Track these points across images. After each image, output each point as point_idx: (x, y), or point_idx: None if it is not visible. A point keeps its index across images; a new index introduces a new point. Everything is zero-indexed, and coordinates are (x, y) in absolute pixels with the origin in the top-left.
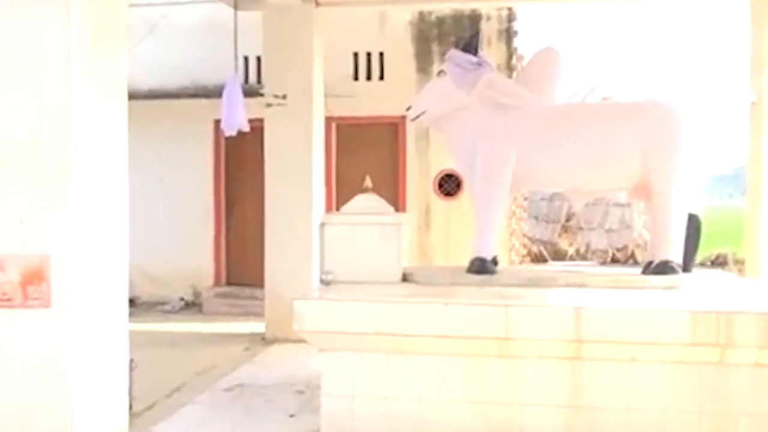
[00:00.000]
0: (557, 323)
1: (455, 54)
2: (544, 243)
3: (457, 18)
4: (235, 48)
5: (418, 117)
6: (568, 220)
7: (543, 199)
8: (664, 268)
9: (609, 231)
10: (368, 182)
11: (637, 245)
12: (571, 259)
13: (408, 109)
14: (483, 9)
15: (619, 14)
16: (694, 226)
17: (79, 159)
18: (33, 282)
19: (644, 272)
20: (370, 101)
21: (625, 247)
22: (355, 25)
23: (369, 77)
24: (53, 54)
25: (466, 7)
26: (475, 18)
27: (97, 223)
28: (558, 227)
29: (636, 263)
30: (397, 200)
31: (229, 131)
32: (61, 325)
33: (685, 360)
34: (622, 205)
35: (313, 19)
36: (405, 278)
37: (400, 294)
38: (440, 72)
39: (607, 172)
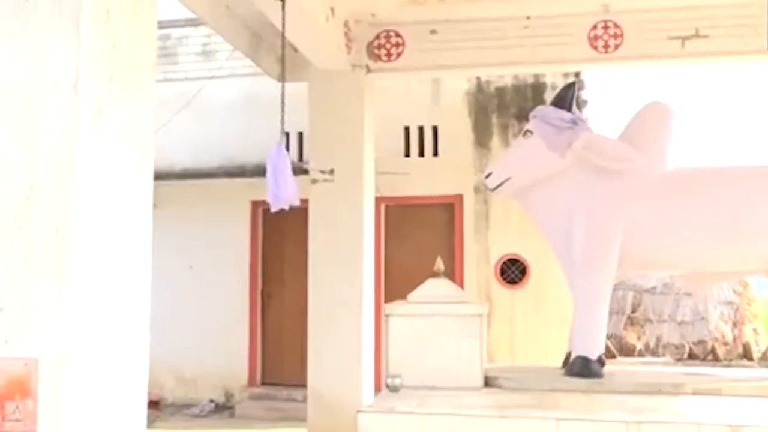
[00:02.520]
0: None
1: (546, 110)
2: (608, 336)
3: (519, 88)
4: (282, 112)
5: (499, 186)
6: (634, 311)
7: None
8: None
9: (681, 323)
10: (440, 264)
11: (715, 339)
12: (640, 354)
13: (487, 176)
14: (548, 78)
15: (693, 82)
16: None
17: (83, 227)
18: (14, 396)
19: None
20: (423, 179)
21: (702, 342)
22: (406, 97)
23: (422, 153)
24: (55, 85)
25: (529, 72)
26: (538, 88)
27: (105, 316)
28: (623, 319)
29: (717, 360)
30: None
31: (277, 205)
32: None
33: None
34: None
35: (363, 86)
36: (487, 382)
37: (490, 405)
38: (526, 132)
39: (740, 251)
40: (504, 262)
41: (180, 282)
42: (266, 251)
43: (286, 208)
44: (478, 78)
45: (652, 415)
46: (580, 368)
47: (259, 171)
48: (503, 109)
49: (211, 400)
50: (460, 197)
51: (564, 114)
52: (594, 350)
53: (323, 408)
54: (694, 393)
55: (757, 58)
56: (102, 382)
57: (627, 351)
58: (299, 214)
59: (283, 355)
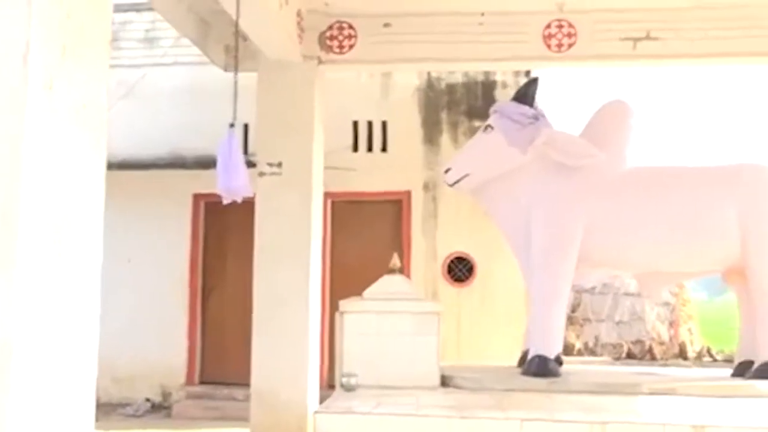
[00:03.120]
0: None
1: (507, 106)
2: None
3: (469, 85)
4: (234, 101)
5: (458, 182)
6: (573, 310)
7: None
8: None
9: (619, 323)
10: (396, 261)
11: (652, 339)
12: (579, 353)
13: (446, 171)
14: (498, 76)
15: (646, 81)
16: None
17: (31, 211)
18: None
19: (741, 375)
20: (371, 175)
21: (639, 341)
22: (355, 91)
23: (370, 148)
24: (3, 56)
25: (482, 69)
26: (489, 85)
27: (53, 304)
28: None
29: (654, 359)
30: None
31: (229, 197)
32: None
33: None
34: (633, 295)
35: (314, 78)
36: (443, 381)
37: (450, 405)
38: (487, 127)
39: (696, 251)
40: (451, 260)
41: (117, 276)
42: (208, 245)
43: (239, 200)
44: (428, 74)
45: (615, 415)
46: (538, 367)
47: (202, 162)
48: (453, 106)
49: (147, 400)
50: (408, 194)
51: (526, 109)
52: (552, 349)
53: (267, 407)
54: (651, 393)
55: (705, 62)
56: (49, 374)
57: (566, 350)
58: (242, 208)
59: (224, 353)
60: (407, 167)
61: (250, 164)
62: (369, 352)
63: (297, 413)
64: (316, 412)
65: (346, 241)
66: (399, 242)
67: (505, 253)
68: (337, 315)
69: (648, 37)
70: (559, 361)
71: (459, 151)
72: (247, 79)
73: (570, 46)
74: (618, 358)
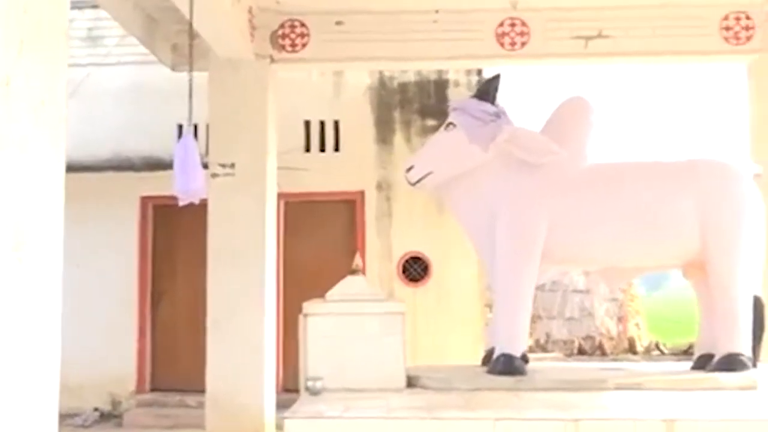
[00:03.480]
0: None
1: (469, 103)
2: None
3: (422, 84)
4: (189, 102)
5: (420, 180)
6: None
7: None
8: (732, 363)
9: (569, 320)
10: (358, 261)
11: (602, 334)
12: (531, 350)
13: (408, 169)
14: (451, 74)
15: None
16: (757, 309)
17: None
18: None
19: (701, 368)
20: (324, 175)
21: (590, 337)
22: (307, 90)
23: (322, 148)
24: None
25: (436, 68)
26: (441, 84)
27: (13, 313)
28: None
29: (604, 354)
30: None
31: (184, 198)
32: None
33: None
34: (582, 292)
35: (267, 77)
36: (409, 382)
37: (420, 406)
38: (449, 124)
39: (656, 246)
40: (406, 260)
41: (63, 281)
42: (157, 248)
43: (196, 202)
44: (380, 73)
45: (586, 412)
46: (504, 366)
47: (150, 164)
48: (406, 104)
49: (96, 409)
50: (361, 194)
51: (488, 106)
52: (517, 347)
53: (222, 412)
54: (617, 388)
55: (655, 60)
56: (10, 384)
57: None
58: (193, 210)
59: (176, 359)
60: (360, 167)
61: (203, 166)
62: (333, 355)
63: (253, 417)
64: (285, 418)
65: (299, 242)
66: (353, 242)
67: (460, 251)
68: (300, 317)
69: (600, 36)
70: (525, 359)
71: (421, 148)
72: (197, 78)
73: (523, 44)
74: (569, 355)
